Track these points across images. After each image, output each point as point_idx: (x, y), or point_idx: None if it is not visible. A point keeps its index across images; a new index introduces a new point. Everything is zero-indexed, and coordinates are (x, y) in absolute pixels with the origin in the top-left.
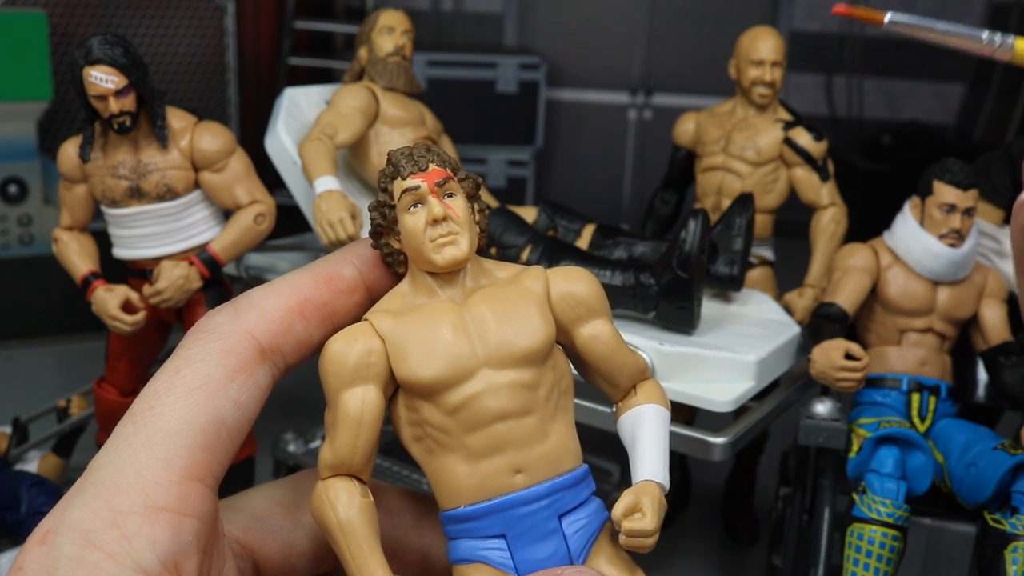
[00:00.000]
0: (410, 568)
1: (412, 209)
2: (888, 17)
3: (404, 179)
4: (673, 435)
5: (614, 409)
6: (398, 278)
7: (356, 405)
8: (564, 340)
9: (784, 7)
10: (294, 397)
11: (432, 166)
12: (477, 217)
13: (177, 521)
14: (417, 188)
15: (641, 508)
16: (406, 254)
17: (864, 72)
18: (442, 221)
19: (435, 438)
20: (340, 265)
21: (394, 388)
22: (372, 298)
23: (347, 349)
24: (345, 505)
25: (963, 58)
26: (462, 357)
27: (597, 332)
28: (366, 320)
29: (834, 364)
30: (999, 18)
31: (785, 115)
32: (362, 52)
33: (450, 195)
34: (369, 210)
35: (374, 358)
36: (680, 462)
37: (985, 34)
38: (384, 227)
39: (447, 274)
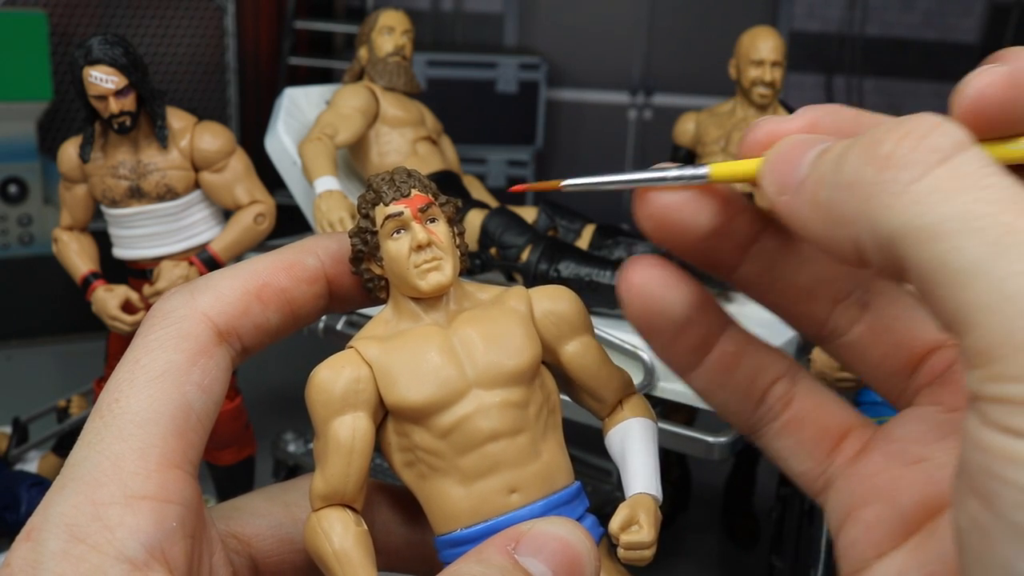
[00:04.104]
0: (413, 565)
1: (395, 235)
2: (563, 183)
3: (386, 205)
4: (673, 435)
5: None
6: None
7: (347, 433)
8: (549, 358)
9: (784, 7)
10: (294, 397)
11: (414, 191)
12: (458, 240)
13: (160, 508)
14: (400, 214)
15: (637, 521)
16: (388, 280)
17: (864, 72)
18: (426, 247)
19: (427, 462)
20: (303, 254)
21: (383, 415)
22: (333, 292)
23: (334, 377)
24: (340, 535)
25: (963, 58)
26: (451, 379)
27: (582, 349)
28: (351, 347)
29: (834, 364)
30: (999, 18)
31: (785, 115)
32: (362, 52)
33: (432, 220)
34: (349, 236)
35: (362, 385)
36: (680, 462)
37: (672, 172)
38: (365, 253)
39: (431, 299)
